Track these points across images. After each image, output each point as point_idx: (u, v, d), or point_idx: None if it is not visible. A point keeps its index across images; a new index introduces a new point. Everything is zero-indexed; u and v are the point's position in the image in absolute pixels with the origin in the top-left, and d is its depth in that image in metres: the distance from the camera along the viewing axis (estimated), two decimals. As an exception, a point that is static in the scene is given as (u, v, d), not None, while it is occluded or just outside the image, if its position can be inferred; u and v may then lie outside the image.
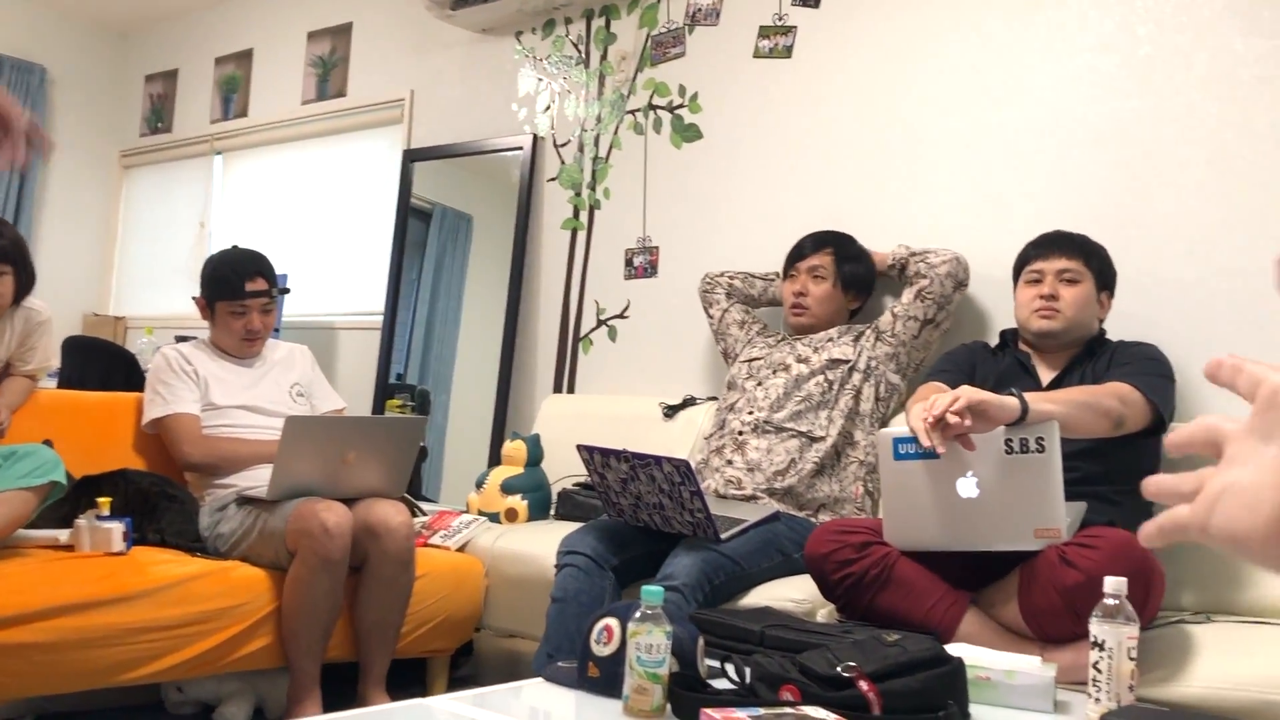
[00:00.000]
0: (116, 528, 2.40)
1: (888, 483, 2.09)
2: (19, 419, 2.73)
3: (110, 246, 5.72)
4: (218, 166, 5.24)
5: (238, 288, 2.90)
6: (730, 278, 3.12)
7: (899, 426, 2.12)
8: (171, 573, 2.36)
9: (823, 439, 2.65)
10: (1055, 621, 1.94)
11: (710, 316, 3.11)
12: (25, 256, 2.71)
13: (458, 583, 2.79)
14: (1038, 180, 2.82)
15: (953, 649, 1.72)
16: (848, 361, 2.72)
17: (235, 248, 3.05)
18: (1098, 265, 2.43)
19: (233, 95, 5.14)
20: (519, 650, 3.35)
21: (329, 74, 4.71)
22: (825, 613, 2.23)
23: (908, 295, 2.75)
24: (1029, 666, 1.74)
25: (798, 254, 2.90)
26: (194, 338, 3.11)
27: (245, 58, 5.10)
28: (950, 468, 1.99)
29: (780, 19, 3.31)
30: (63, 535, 2.43)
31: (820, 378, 2.71)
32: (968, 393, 1.90)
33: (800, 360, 2.76)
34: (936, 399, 1.92)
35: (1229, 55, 2.56)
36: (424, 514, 3.04)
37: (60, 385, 3.83)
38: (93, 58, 5.67)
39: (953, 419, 1.88)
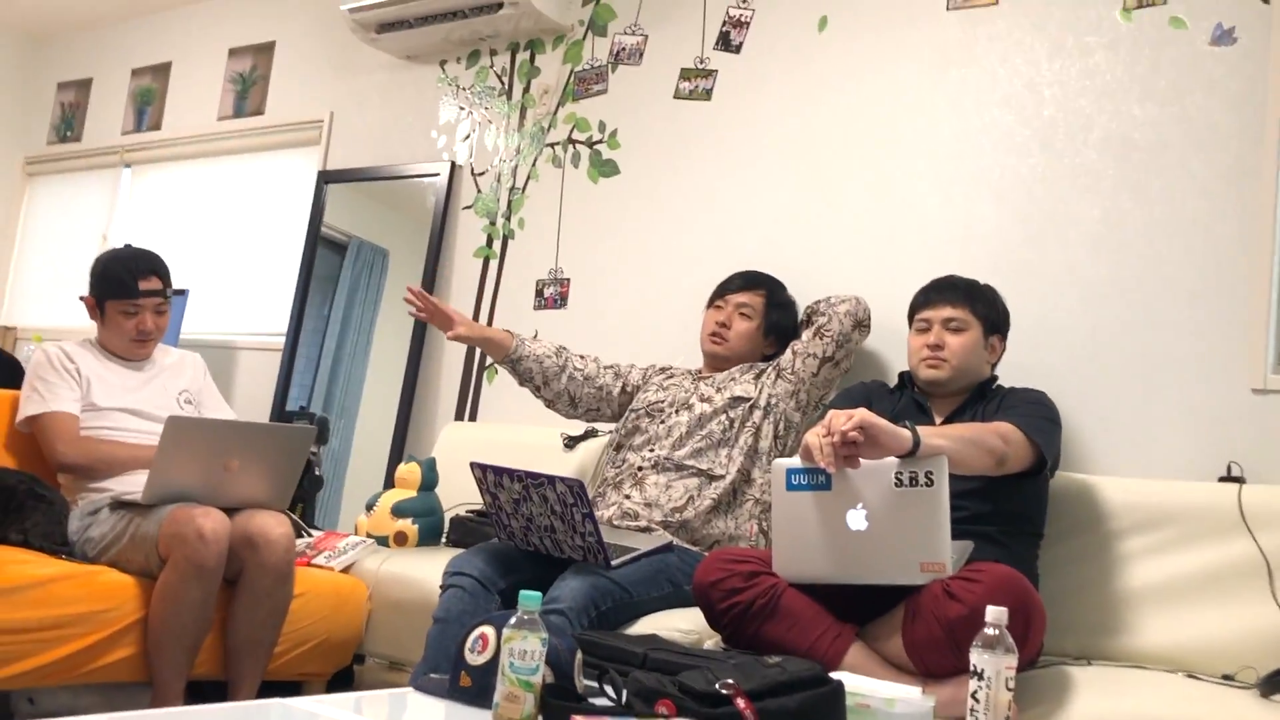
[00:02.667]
0: (-23, 524, 2.28)
1: (779, 513, 2.08)
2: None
3: (7, 255, 5.52)
4: (126, 179, 5.12)
5: (130, 286, 2.80)
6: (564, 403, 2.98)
7: (794, 459, 2.12)
8: (30, 573, 2.24)
9: (722, 477, 2.63)
10: (937, 654, 1.93)
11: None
12: None
13: (339, 604, 2.70)
14: (940, 229, 2.88)
15: (836, 676, 1.71)
16: (749, 399, 2.72)
17: (128, 246, 2.96)
18: (984, 310, 2.47)
19: (147, 107, 5.03)
20: (401, 683, 3.24)
21: (248, 91, 4.65)
22: (712, 643, 2.19)
23: (807, 333, 2.77)
24: (909, 696, 1.72)
25: (728, 286, 2.90)
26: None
27: (163, 70, 5.01)
28: (841, 499, 1.99)
29: (702, 62, 3.36)
30: (-84, 529, 2.30)
31: (722, 416, 2.70)
32: (863, 413, 1.91)
33: (703, 399, 2.75)
34: (833, 416, 1.93)
35: (1127, 119, 2.66)
36: (310, 534, 2.95)
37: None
38: (2, 61, 5.51)
39: (852, 435, 1.88)
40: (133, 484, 2.58)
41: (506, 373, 3.54)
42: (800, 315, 2.87)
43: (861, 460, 1.94)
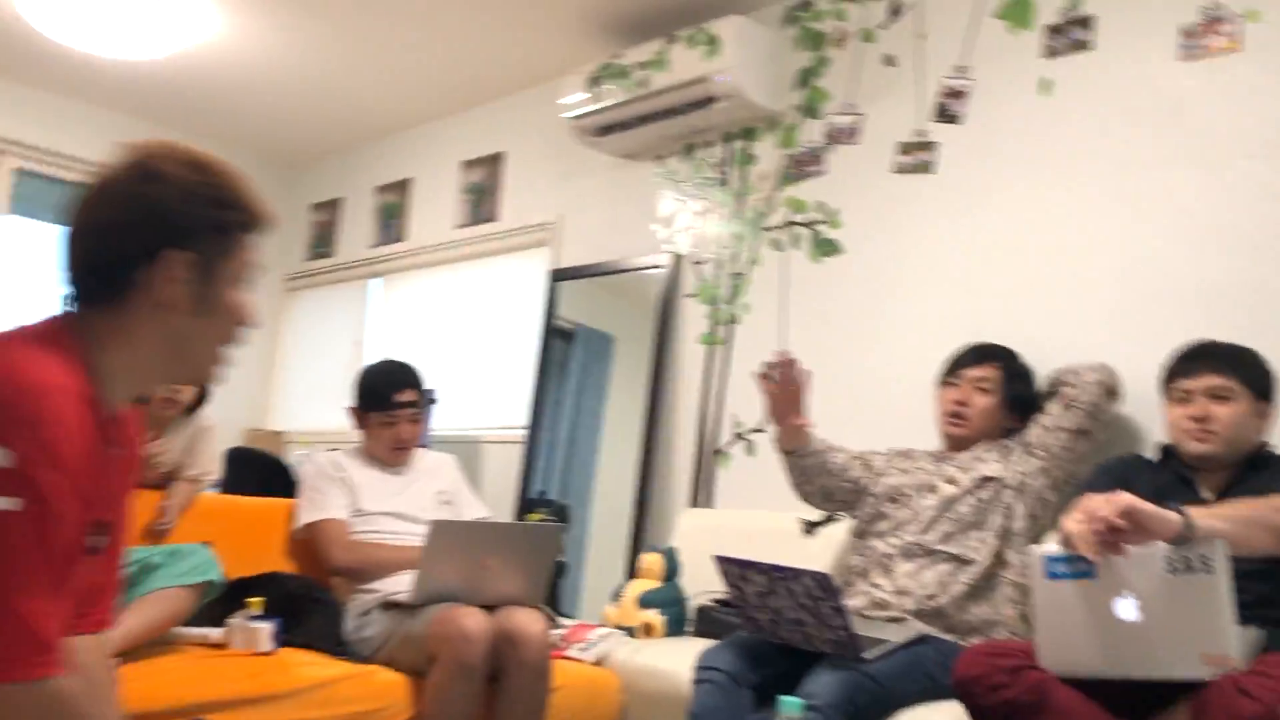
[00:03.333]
0: (266, 628, 2.47)
1: (1041, 603, 1.99)
2: (182, 521, 2.86)
3: (273, 365, 6.03)
4: (375, 289, 5.50)
5: (387, 399, 3.01)
6: (821, 495, 2.87)
7: (1051, 544, 2.03)
8: (316, 674, 2.40)
9: (974, 561, 2.55)
10: (1231, 756, 1.78)
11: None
12: None
13: (593, 696, 2.75)
14: (1188, 290, 2.72)
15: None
16: (998, 479, 2.63)
17: (387, 360, 3.18)
18: (1250, 376, 2.30)
19: (391, 221, 5.42)
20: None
21: (481, 200, 4.93)
22: (976, 740, 2.11)
23: (1055, 407, 2.65)
24: (1203, 803, 1.61)
25: (962, 362, 2.82)
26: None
27: (404, 186, 5.39)
28: (1107, 588, 1.89)
29: (920, 135, 3.33)
30: (215, 633, 2.51)
31: (971, 498, 2.62)
32: (1125, 498, 1.82)
33: (948, 481, 2.68)
34: (1092, 503, 1.84)
35: (1399, 159, 2.45)
36: (561, 625, 3.04)
37: (223, 493, 4.01)
38: (264, 189, 5.99)
39: (1117, 522, 1.79)
40: (400, 584, 2.74)
41: (742, 456, 3.58)
42: (1043, 386, 2.77)
43: (1129, 547, 1.84)
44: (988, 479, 2.63)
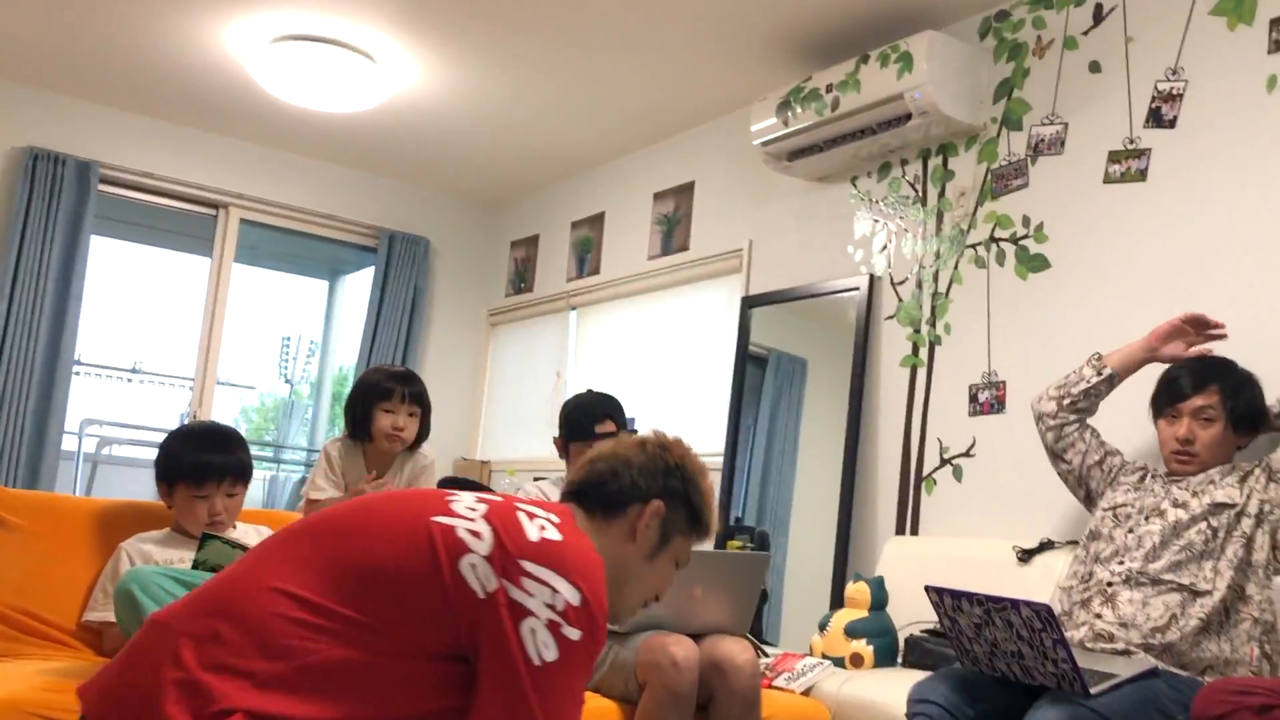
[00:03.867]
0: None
1: (1291, 637, 1.85)
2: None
3: (479, 397, 6.26)
4: (573, 321, 5.65)
5: (588, 429, 3.07)
6: (1066, 407, 2.80)
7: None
8: (531, 700, 2.46)
9: (1208, 593, 2.38)
10: None
11: (1066, 464, 2.82)
12: (429, 407, 3.06)
13: (803, 728, 2.72)
14: None
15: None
16: (1234, 506, 2.45)
17: (589, 391, 3.25)
18: None
19: (587, 255, 5.55)
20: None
21: (673, 230, 5.00)
22: (1220, 784, 1.97)
23: None
24: None
25: (1178, 393, 2.60)
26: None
27: (598, 220, 5.52)
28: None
29: (1132, 142, 3.17)
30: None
31: (1203, 524, 2.45)
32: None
33: (1177, 505, 2.52)
34: None
35: None
36: (768, 654, 3.02)
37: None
38: (467, 229, 6.35)
39: None
40: (607, 612, 2.78)
41: (949, 481, 3.47)
42: (1278, 410, 2.56)
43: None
44: (1221, 505, 2.46)
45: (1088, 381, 2.80)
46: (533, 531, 1.48)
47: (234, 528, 2.61)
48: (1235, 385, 2.58)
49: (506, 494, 1.62)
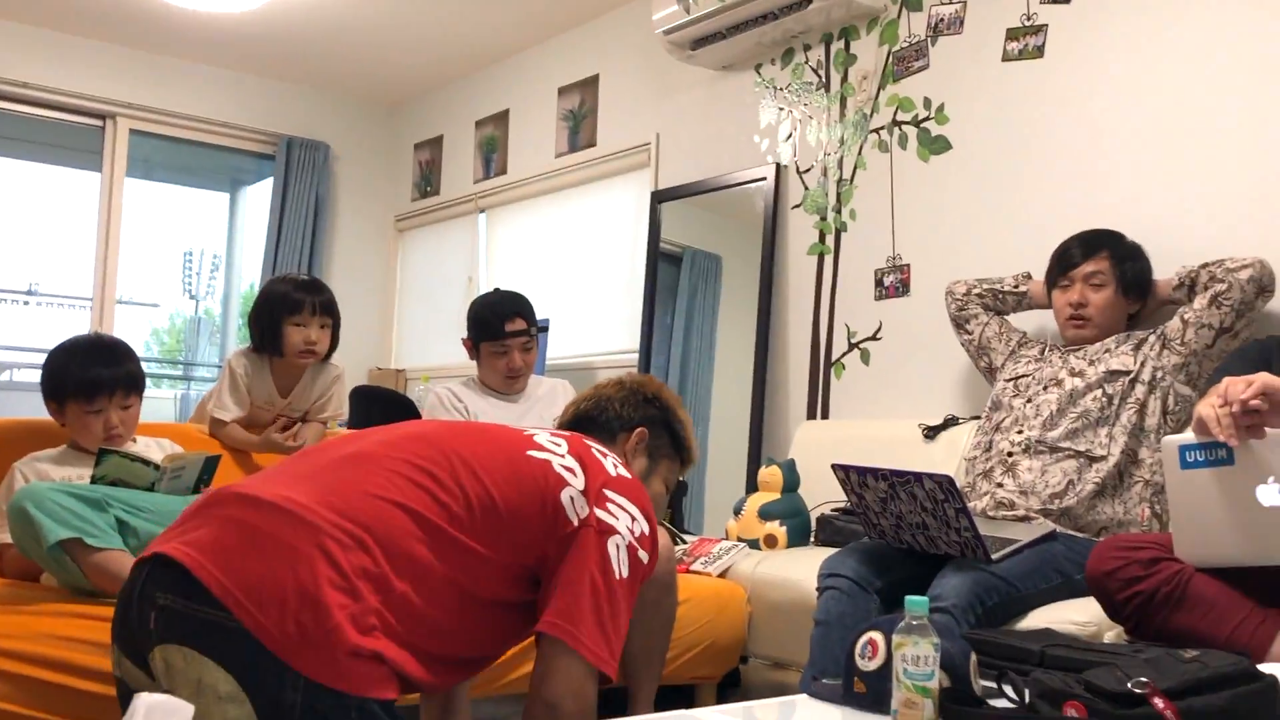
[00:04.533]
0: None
1: (1176, 494, 1.92)
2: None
3: (390, 305, 6.17)
4: (482, 224, 5.56)
5: (498, 328, 3.05)
6: (979, 294, 2.96)
7: (1187, 434, 1.95)
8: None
9: (1103, 458, 2.47)
10: (1388, 641, 1.71)
11: (967, 333, 2.96)
12: (339, 315, 2.95)
13: (720, 608, 2.78)
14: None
15: (1266, 669, 1.56)
16: (1128, 373, 2.53)
17: (496, 290, 3.22)
18: None
19: (493, 155, 5.44)
20: (788, 682, 3.29)
21: (579, 126, 4.91)
22: (1113, 635, 2.07)
23: (1201, 301, 2.51)
24: (1359, 689, 1.54)
25: (1069, 261, 2.71)
26: (464, 379, 3.28)
27: (502, 119, 5.40)
28: (1247, 474, 1.81)
29: (1029, 19, 3.18)
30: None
31: (1098, 392, 2.53)
32: (1264, 378, 1.73)
33: (1074, 374, 2.59)
34: (1229, 384, 1.76)
35: None
36: (684, 541, 3.07)
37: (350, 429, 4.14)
38: (368, 132, 6.17)
39: (1254, 403, 1.71)
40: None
41: (857, 365, 3.53)
42: (1176, 283, 2.63)
43: (1267, 430, 1.76)
44: (1116, 372, 2.53)
45: (1005, 286, 2.92)
46: (610, 467, 1.67)
47: (134, 441, 2.55)
48: (1123, 252, 2.66)
49: (575, 433, 1.77)
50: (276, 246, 5.71)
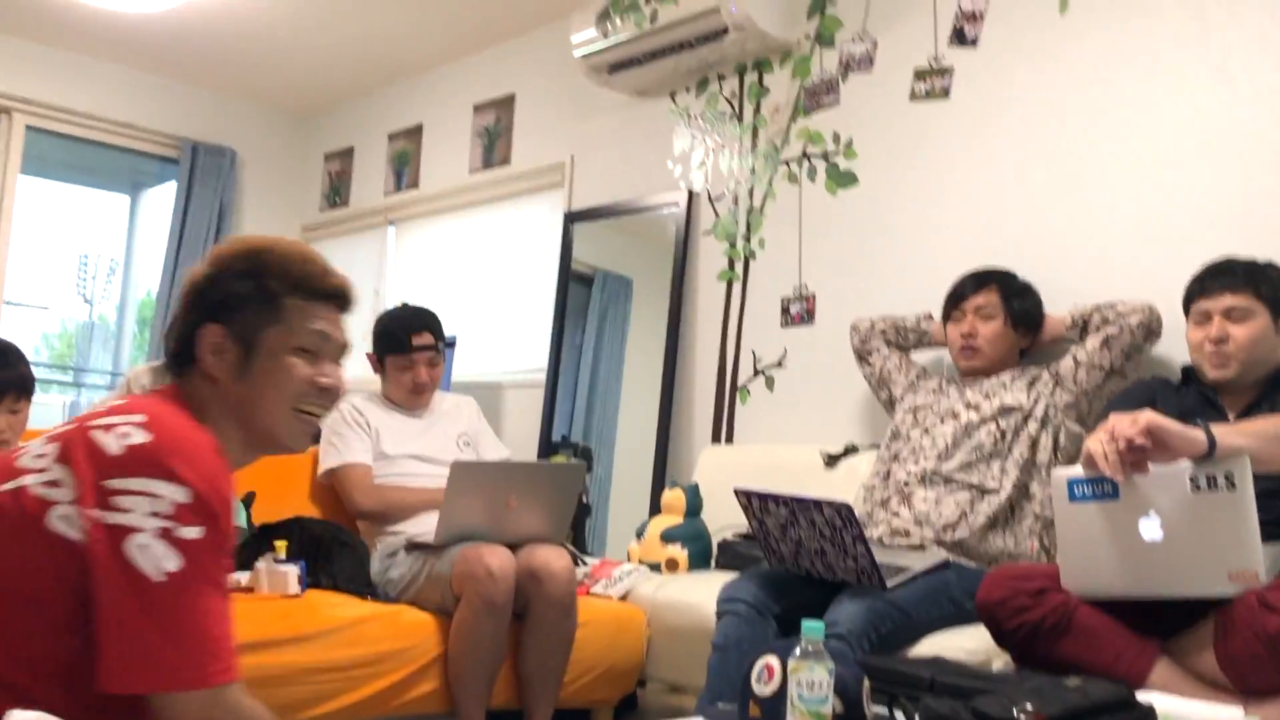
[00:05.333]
0: (292, 571, 2.50)
1: (1064, 526, 1.98)
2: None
3: (293, 316, 6.03)
4: (391, 236, 5.49)
5: (404, 342, 3.01)
6: (882, 330, 3.04)
7: (1075, 468, 2.02)
8: (343, 615, 2.43)
9: (995, 491, 2.54)
10: (1258, 671, 1.78)
11: (869, 366, 3.04)
12: None
13: (620, 631, 2.78)
14: (1215, 209, 2.68)
15: (1143, 697, 1.61)
16: (1021, 409, 2.61)
17: (404, 305, 3.18)
18: (1270, 292, 2.24)
19: (404, 169, 5.39)
20: (685, 706, 3.29)
21: (494, 143, 4.90)
22: (1000, 663, 2.12)
23: (1093, 342, 2.61)
24: (1231, 717, 1.61)
25: (960, 294, 2.80)
26: (367, 393, 3.23)
27: (416, 133, 5.35)
28: (1131, 508, 1.88)
29: (936, 61, 3.27)
30: (243, 577, 2.54)
31: (991, 425, 2.60)
32: (1149, 415, 1.80)
33: (970, 407, 2.66)
34: (1116, 420, 1.82)
35: None
36: (585, 563, 3.06)
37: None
38: (277, 139, 6.06)
39: (1139, 441, 1.78)
40: (424, 525, 2.76)
41: (762, 391, 3.57)
42: (1069, 323, 2.72)
43: (1151, 466, 1.83)
44: (1009, 408, 2.61)
45: (908, 323, 3.00)
46: (113, 445, 1.29)
47: (21, 446, 2.45)
48: (1013, 288, 2.77)
49: (83, 415, 1.38)
50: (178, 252, 5.56)
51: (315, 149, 6.02)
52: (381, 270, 5.49)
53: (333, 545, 2.72)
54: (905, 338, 3.01)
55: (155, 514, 1.25)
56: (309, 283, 1.49)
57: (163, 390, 1.47)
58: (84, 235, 6.19)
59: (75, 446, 1.30)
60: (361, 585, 2.69)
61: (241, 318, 1.45)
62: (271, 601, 2.45)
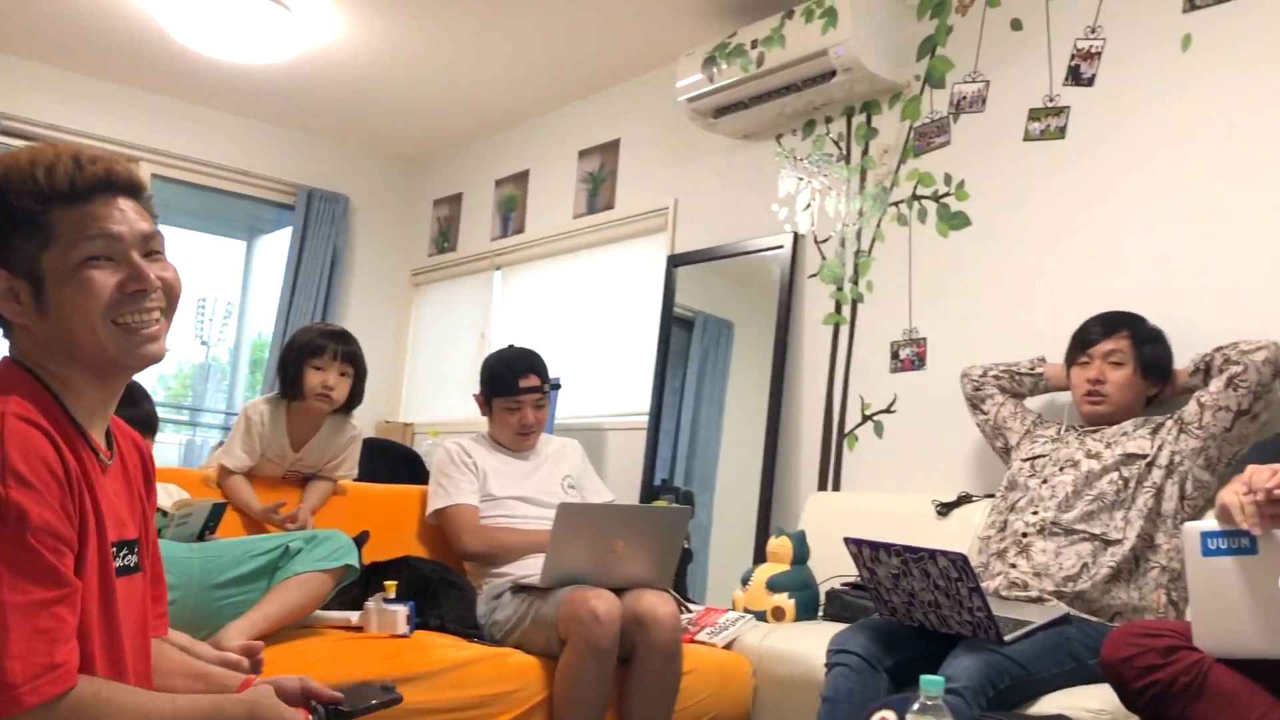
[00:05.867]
0: (402, 611, 2.52)
1: (1196, 581, 1.89)
2: (322, 508, 2.95)
3: (401, 358, 6.17)
4: (497, 281, 5.58)
5: (512, 384, 3.04)
6: (996, 375, 2.96)
7: (1208, 520, 1.92)
8: (451, 656, 2.43)
9: (1119, 541, 2.43)
10: None
11: (983, 413, 2.95)
12: (364, 371, 2.95)
13: (725, 680, 2.73)
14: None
15: (1286, 767, 1.51)
16: (1145, 456, 2.50)
17: (511, 346, 3.21)
18: None
19: (511, 214, 5.48)
20: (788, 759, 3.23)
21: (598, 188, 4.95)
22: (1128, 724, 2.02)
23: (1217, 384, 2.50)
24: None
25: (1089, 338, 2.71)
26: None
27: (522, 178, 5.44)
28: (1270, 563, 1.78)
29: (1051, 100, 3.20)
30: (354, 616, 2.57)
31: (1114, 474, 2.50)
32: (1292, 468, 1.71)
33: (1090, 455, 2.57)
34: (1254, 472, 1.74)
35: None
36: (690, 610, 3.02)
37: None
38: (388, 186, 6.23)
39: (1279, 493, 1.69)
40: (530, 567, 2.77)
41: (870, 437, 3.50)
42: (1192, 370, 2.62)
43: (1293, 520, 1.74)
44: (1133, 455, 2.51)
45: (1021, 368, 2.93)
46: None
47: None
48: (1144, 334, 2.67)
49: None
50: (291, 296, 5.73)
51: (425, 195, 6.16)
52: (488, 314, 5.58)
53: (440, 585, 2.74)
54: (1020, 384, 2.93)
55: None
56: (62, 185, 1.26)
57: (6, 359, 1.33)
58: (203, 279, 6.42)
59: None
60: (468, 627, 2.69)
61: (13, 254, 1.26)
62: (380, 641, 2.46)
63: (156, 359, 1.35)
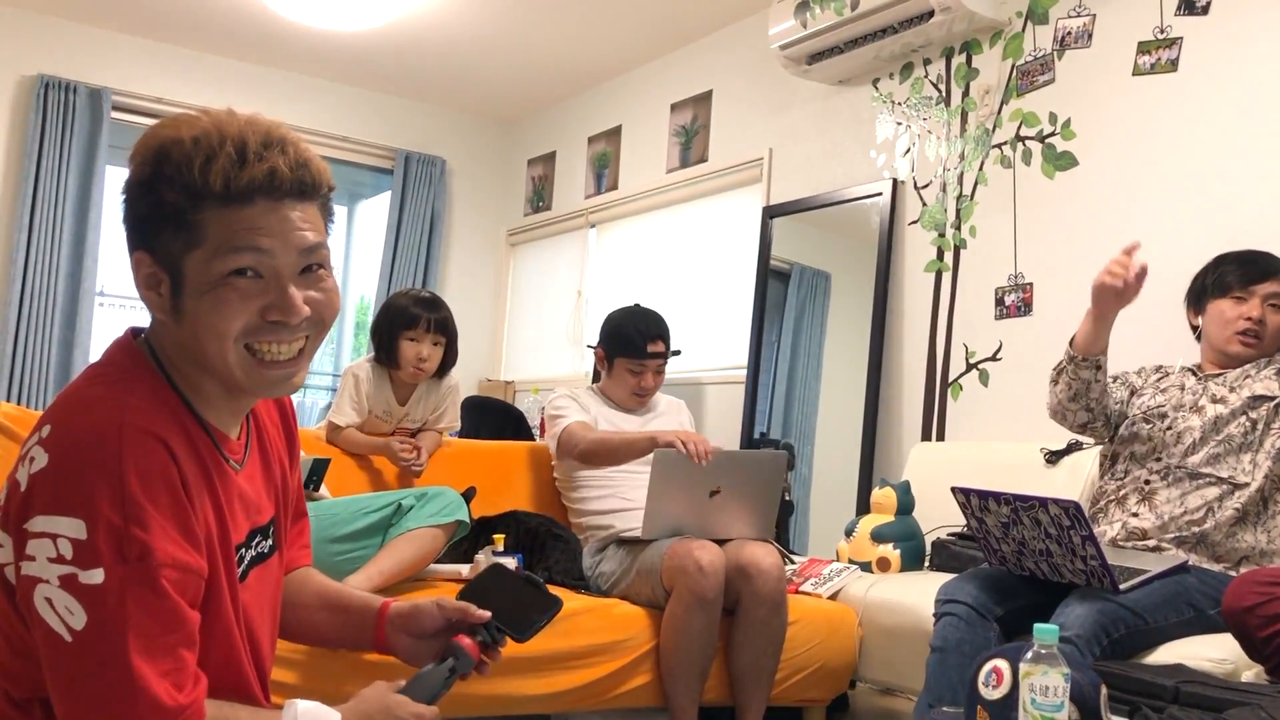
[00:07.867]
0: (510, 563, 2.57)
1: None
2: (431, 466, 3.02)
3: (500, 317, 6.25)
4: (592, 238, 5.60)
5: (640, 347, 3.05)
6: (1072, 410, 2.56)
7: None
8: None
9: (1246, 485, 2.35)
10: None
11: (1104, 436, 2.63)
12: (455, 335, 3.03)
13: (831, 631, 2.73)
14: None
15: None
16: (1273, 398, 2.41)
17: (638, 307, 3.22)
18: None
19: (604, 170, 5.48)
20: (896, 708, 3.22)
21: (691, 141, 4.91)
22: (1252, 674, 1.96)
23: None
24: None
25: (1253, 274, 2.48)
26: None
27: (615, 135, 5.43)
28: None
29: (1163, 32, 3.07)
30: (465, 569, 2.63)
31: (1242, 418, 2.41)
32: None
33: (1216, 400, 2.47)
34: None
35: None
36: (793, 561, 3.02)
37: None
38: (483, 148, 6.28)
39: None
40: (633, 520, 2.79)
41: (975, 386, 3.44)
42: None
43: None
44: (1261, 397, 2.41)
45: (1070, 379, 2.57)
46: (24, 479, 1.06)
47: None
48: None
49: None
50: (393, 259, 5.84)
51: (519, 155, 6.20)
52: (583, 271, 5.60)
53: (547, 538, 2.79)
54: (1088, 391, 2.55)
55: (56, 559, 1.03)
56: (216, 184, 1.10)
57: (123, 342, 1.20)
58: (307, 245, 6.57)
59: (6, 491, 1.10)
60: (575, 578, 2.74)
61: (161, 243, 1.13)
62: (491, 592, 2.52)
63: (289, 392, 1.23)
